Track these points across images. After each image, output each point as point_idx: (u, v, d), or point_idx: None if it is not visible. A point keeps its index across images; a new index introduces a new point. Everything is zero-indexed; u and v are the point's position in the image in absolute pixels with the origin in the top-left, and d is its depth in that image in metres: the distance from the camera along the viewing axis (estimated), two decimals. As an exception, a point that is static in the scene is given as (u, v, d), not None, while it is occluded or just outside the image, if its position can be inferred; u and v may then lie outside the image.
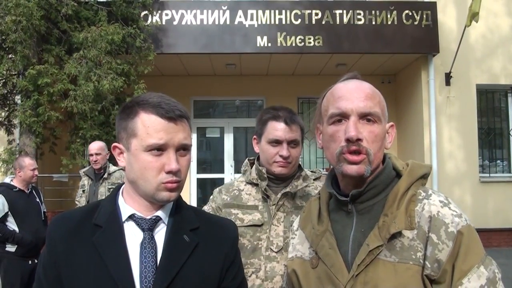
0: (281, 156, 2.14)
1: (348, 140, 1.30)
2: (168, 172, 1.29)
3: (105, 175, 5.54)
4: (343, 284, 1.28)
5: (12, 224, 4.96)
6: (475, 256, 1.21)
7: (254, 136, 2.31)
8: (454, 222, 1.23)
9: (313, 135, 1.51)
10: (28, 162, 5.13)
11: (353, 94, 1.34)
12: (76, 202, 5.77)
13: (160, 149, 1.28)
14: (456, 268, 1.20)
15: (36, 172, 5.19)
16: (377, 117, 1.33)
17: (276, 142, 2.16)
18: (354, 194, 1.34)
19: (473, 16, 8.50)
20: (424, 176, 1.36)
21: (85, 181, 5.73)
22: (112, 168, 5.61)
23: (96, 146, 5.59)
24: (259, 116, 2.28)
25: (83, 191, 5.71)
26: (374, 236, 1.27)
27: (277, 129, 2.16)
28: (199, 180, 11.55)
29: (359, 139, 1.29)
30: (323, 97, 1.44)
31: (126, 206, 1.36)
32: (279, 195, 2.19)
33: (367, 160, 1.31)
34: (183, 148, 1.32)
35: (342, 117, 1.33)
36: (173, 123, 1.29)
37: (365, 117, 1.32)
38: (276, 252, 2.12)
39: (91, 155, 5.56)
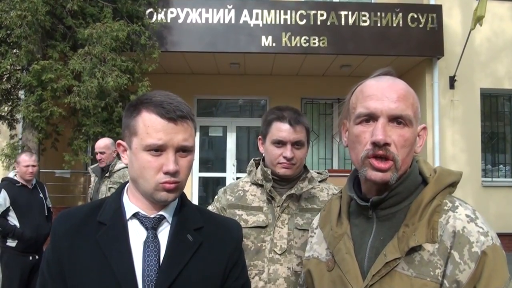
0: (285, 157, 2.12)
1: (375, 144, 1.21)
2: (166, 173, 1.28)
3: (107, 174, 5.38)
4: None
5: (13, 219, 4.96)
6: (498, 280, 1.12)
7: (259, 137, 2.29)
8: (479, 241, 1.15)
9: (338, 130, 1.42)
10: (22, 158, 5.09)
11: (384, 93, 1.24)
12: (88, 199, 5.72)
13: (159, 149, 1.28)
14: None
15: (30, 169, 5.09)
16: (409, 120, 1.24)
17: (280, 143, 2.13)
18: (375, 201, 1.26)
19: (478, 19, 8.48)
20: (453, 185, 1.27)
21: (92, 178, 5.66)
22: (117, 166, 5.40)
23: (101, 145, 5.42)
24: (264, 117, 2.26)
25: (89, 187, 5.65)
26: (392, 247, 1.20)
27: (281, 130, 2.13)
28: (201, 178, 11.54)
29: (386, 144, 1.20)
30: (352, 93, 1.35)
31: (131, 204, 1.36)
32: (284, 197, 2.16)
33: (394, 167, 1.22)
34: (183, 150, 1.31)
35: (370, 117, 1.24)
36: (173, 124, 1.28)
37: (396, 119, 1.23)
38: (279, 255, 2.10)
39: (96, 153, 5.44)
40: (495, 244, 1.16)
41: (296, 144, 2.14)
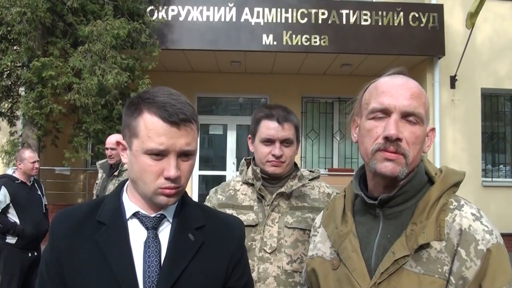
0: (273, 155, 2.12)
1: (387, 139, 1.23)
2: (167, 179, 1.24)
3: (116, 172, 5.19)
4: None
5: (13, 216, 4.96)
6: (503, 277, 1.15)
7: (249, 136, 2.29)
8: (485, 239, 1.18)
9: (348, 127, 1.43)
10: (28, 155, 5.09)
11: (398, 90, 1.27)
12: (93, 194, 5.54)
13: (160, 154, 1.23)
14: None
15: (36, 165, 5.12)
16: (420, 118, 1.26)
17: (269, 141, 2.13)
18: (383, 198, 1.27)
19: (471, 17, 8.46)
20: (457, 184, 1.29)
21: (99, 174, 5.49)
22: (126, 165, 5.15)
23: (112, 140, 5.19)
24: (253, 115, 2.26)
25: (96, 184, 5.48)
26: (400, 245, 1.22)
27: (270, 128, 2.13)
28: (201, 176, 11.55)
29: (398, 139, 1.22)
30: (365, 90, 1.37)
31: (130, 203, 1.33)
32: (274, 195, 2.16)
33: (404, 162, 1.24)
34: (185, 154, 1.27)
35: (384, 113, 1.26)
36: (175, 128, 1.23)
37: (408, 116, 1.25)
38: (269, 253, 2.10)
39: (107, 149, 5.25)
40: (499, 242, 1.19)
41: (285, 142, 2.14)
